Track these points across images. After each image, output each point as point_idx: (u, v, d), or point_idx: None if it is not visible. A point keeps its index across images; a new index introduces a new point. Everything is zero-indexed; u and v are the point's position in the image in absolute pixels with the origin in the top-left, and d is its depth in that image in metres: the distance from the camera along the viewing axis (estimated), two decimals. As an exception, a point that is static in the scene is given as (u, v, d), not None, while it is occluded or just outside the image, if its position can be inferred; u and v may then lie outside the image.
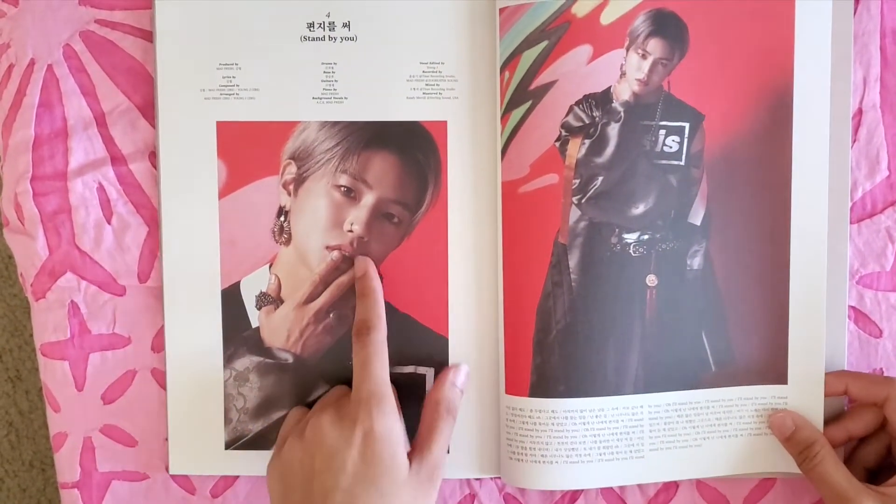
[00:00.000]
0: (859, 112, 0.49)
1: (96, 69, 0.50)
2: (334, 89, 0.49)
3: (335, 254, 0.50)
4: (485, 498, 0.52)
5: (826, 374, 0.48)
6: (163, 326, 0.51)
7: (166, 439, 0.51)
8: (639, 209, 0.48)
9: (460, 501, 0.52)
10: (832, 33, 0.48)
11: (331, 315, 0.50)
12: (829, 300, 0.49)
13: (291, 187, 0.50)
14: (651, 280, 0.48)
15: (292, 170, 0.50)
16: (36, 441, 1.04)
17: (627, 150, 0.48)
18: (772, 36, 0.47)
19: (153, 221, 0.51)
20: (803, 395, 0.49)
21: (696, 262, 0.49)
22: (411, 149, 0.49)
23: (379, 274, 0.49)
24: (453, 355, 0.50)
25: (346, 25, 0.49)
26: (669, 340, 0.49)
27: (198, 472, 0.52)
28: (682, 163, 0.48)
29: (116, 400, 0.52)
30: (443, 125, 0.49)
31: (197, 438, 0.51)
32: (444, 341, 0.50)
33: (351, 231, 0.50)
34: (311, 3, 0.49)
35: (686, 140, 0.48)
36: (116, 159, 0.51)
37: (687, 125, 0.48)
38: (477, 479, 0.52)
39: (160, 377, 0.51)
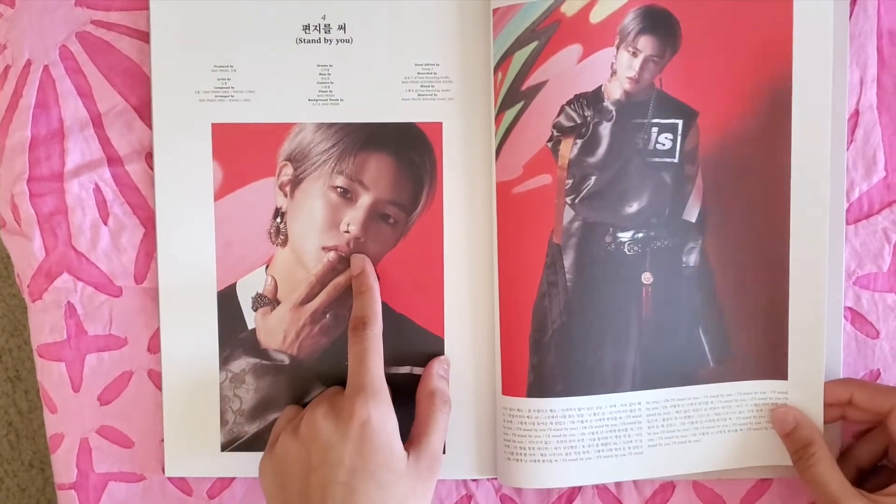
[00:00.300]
0: (856, 113, 0.49)
1: (93, 70, 0.50)
2: (330, 91, 0.49)
3: (332, 254, 0.50)
4: (481, 499, 0.52)
5: (831, 381, 0.48)
6: (159, 328, 0.51)
7: (163, 440, 0.51)
8: (633, 208, 0.48)
9: (457, 502, 0.52)
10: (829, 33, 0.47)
11: (327, 316, 0.50)
12: (825, 301, 0.48)
13: (288, 189, 0.50)
14: (646, 278, 0.48)
15: (288, 171, 0.50)
16: (35, 441, 1.04)
17: (620, 149, 0.48)
18: (769, 32, 0.47)
19: (150, 222, 0.51)
20: (804, 390, 0.48)
21: (691, 259, 0.49)
22: (407, 150, 0.49)
23: (375, 274, 0.49)
24: (449, 356, 0.50)
25: (342, 27, 0.49)
26: (667, 337, 0.49)
27: (194, 474, 0.51)
28: (676, 160, 0.48)
29: (113, 401, 0.52)
30: (438, 126, 0.49)
31: (193, 440, 0.51)
32: (440, 342, 0.50)
33: (347, 232, 0.50)
34: (306, 5, 0.49)
35: (679, 137, 0.48)
36: (113, 160, 0.51)
37: (680, 122, 0.48)
38: (473, 480, 0.52)
39: (157, 378, 0.51)
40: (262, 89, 0.49)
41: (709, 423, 0.49)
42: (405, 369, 0.50)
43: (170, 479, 0.52)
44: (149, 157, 0.51)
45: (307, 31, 0.49)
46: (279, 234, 0.50)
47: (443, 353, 0.50)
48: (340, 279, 0.50)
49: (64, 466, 0.52)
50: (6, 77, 0.51)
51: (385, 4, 0.49)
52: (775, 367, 0.49)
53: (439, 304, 0.50)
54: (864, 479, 0.49)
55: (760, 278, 0.49)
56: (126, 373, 0.52)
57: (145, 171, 0.51)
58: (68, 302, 0.51)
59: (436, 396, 0.47)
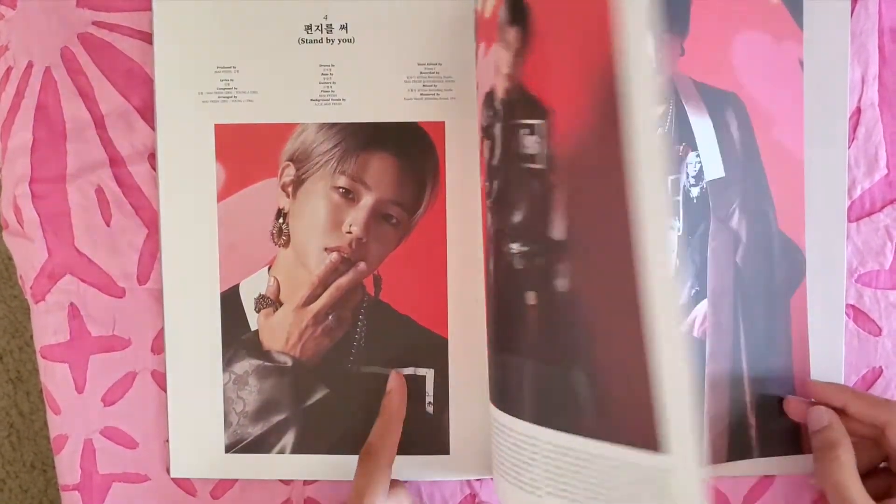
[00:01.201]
0: (858, 111, 0.49)
1: (94, 71, 0.50)
2: (332, 91, 0.49)
3: (334, 255, 0.50)
4: (485, 497, 0.52)
5: (827, 384, 0.48)
6: (163, 328, 0.51)
7: (167, 441, 0.51)
8: (517, 217, 0.41)
9: (461, 501, 0.52)
10: (830, 31, 0.47)
11: (330, 317, 0.50)
12: (827, 299, 0.49)
13: (290, 189, 0.50)
14: (530, 298, 0.41)
15: (291, 172, 0.50)
16: (37, 442, 1.04)
17: (505, 153, 0.42)
18: (596, 19, 0.38)
19: (152, 223, 0.51)
20: (686, 467, 0.37)
21: (560, 283, 0.40)
22: (409, 150, 0.49)
23: (378, 275, 0.50)
24: (453, 356, 0.50)
25: (344, 27, 0.49)
26: (553, 370, 0.40)
27: (198, 476, 0.52)
28: (544, 166, 0.40)
29: (117, 402, 0.52)
30: (440, 126, 0.49)
31: (197, 441, 0.51)
32: (443, 342, 0.50)
33: (350, 232, 0.50)
34: (308, 5, 0.49)
35: (545, 140, 0.40)
36: (115, 161, 0.51)
37: (542, 122, 0.40)
38: (477, 480, 0.52)
39: (160, 379, 0.51)
40: (265, 90, 0.49)
41: (592, 490, 0.40)
42: (409, 370, 0.50)
43: (174, 479, 0.52)
44: (151, 158, 0.51)
45: (309, 31, 0.49)
46: (281, 235, 0.50)
47: (446, 354, 0.50)
48: (343, 280, 0.50)
49: (68, 468, 0.52)
50: (8, 79, 0.50)
51: (387, 4, 0.49)
52: (647, 432, 0.37)
53: (442, 305, 0.50)
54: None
55: (625, 302, 0.37)
56: (130, 374, 0.52)
57: (148, 173, 0.51)
58: (71, 303, 0.51)
59: None
